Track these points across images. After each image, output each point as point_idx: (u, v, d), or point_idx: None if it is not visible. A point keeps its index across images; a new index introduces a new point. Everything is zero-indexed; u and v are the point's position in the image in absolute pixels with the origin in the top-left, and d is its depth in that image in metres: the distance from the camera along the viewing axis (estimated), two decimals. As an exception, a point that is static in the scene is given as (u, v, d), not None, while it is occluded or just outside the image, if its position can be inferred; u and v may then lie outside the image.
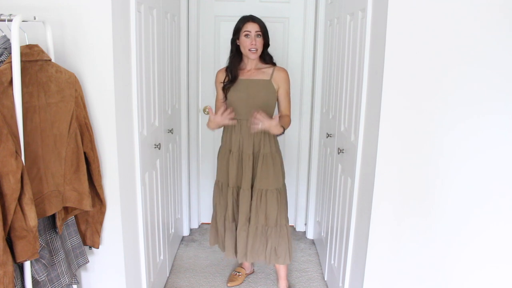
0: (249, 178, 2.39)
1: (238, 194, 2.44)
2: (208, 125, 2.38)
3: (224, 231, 2.51)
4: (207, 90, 3.25)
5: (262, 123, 2.21)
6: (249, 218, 2.41)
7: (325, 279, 2.75)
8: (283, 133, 2.31)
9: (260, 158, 2.38)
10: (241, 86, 2.35)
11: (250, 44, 2.27)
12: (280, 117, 2.31)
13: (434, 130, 1.72)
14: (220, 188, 2.50)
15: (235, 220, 2.48)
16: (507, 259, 1.81)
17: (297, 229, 3.49)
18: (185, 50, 3.12)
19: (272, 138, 2.41)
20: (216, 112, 2.37)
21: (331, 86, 2.71)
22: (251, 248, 2.43)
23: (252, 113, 2.26)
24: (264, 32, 2.31)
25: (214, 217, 2.57)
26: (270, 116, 2.39)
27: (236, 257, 2.52)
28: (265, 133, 2.37)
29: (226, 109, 2.33)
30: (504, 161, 1.72)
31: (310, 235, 3.38)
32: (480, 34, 1.63)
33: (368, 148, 1.88)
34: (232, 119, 2.33)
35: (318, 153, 3.18)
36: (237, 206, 2.45)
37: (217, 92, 2.48)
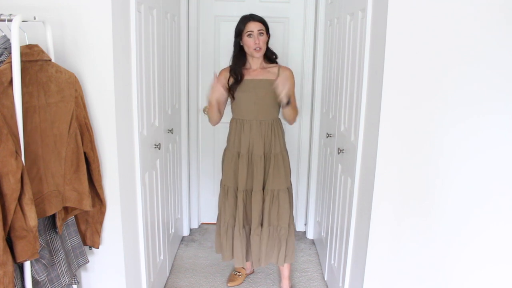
0: (261, 179, 2.36)
1: (247, 198, 2.41)
2: (210, 99, 2.26)
3: (231, 239, 2.45)
4: (207, 90, 3.24)
5: (283, 85, 2.13)
6: (261, 221, 2.39)
7: (325, 279, 2.75)
8: (288, 104, 2.21)
9: (272, 158, 2.36)
10: (249, 87, 2.33)
11: (253, 43, 2.26)
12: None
13: (434, 130, 1.72)
14: (226, 192, 2.44)
15: (244, 226, 2.43)
16: (507, 259, 1.81)
17: (297, 229, 3.48)
18: (185, 50, 3.12)
19: (281, 137, 2.41)
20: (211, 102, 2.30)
21: (331, 86, 2.71)
22: (265, 252, 2.41)
23: (260, 113, 2.32)
24: (266, 30, 2.31)
25: (219, 223, 2.51)
26: (276, 115, 2.41)
27: (246, 264, 2.52)
28: (275, 133, 2.37)
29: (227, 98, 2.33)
30: (504, 161, 1.72)
31: (310, 235, 3.38)
32: (480, 34, 1.63)
33: (368, 148, 1.88)
34: (239, 118, 2.36)
35: (318, 153, 3.18)
36: (248, 210, 2.41)
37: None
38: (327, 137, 2.81)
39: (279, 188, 2.37)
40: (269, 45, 2.40)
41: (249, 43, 2.27)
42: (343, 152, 2.30)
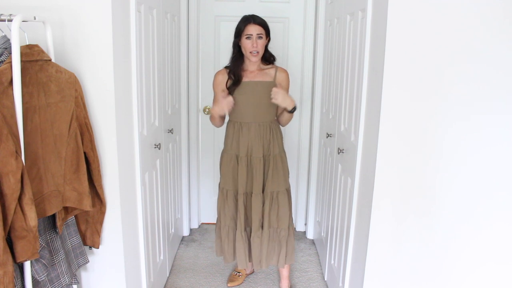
0: (261, 182, 2.35)
1: (247, 200, 2.40)
2: (213, 109, 2.33)
3: (232, 241, 2.45)
4: (207, 90, 3.24)
5: (279, 94, 2.23)
6: (262, 224, 2.39)
7: (325, 279, 2.75)
8: (294, 110, 2.30)
9: (271, 160, 2.36)
10: (247, 89, 2.32)
11: (251, 46, 2.25)
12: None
13: (434, 130, 1.72)
14: (225, 195, 2.43)
15: (246, 229, 2.43)
16: (507, 259, 1.81)
17: (297, 229, 3.49)
18: (185, 50, 3.12)
19: (279, 139, 2.41)
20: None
21: (331, 86, 2.71)
22: (266, 254, 2.41)
23: (259, 115, 2.32)
24: (266, 33, 2.30)
25: (219, 226, 2.50)
26: (274, 117, 2.41)
27: (250, 266, 2.51)
28: (274, 134, 2.37)
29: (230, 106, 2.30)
30: (504, 161, 1.72)
31: (310, 235, 3.38)
32: (480, 34, 1.63)
33: (368, 148, 1.88)
34: (237, 120, 2.37)
35: (318, 153, 3.18)
36: (248, 213, 2.41)
37: (215, 95, 2.46)
38: (327, 137, 2.81)
39: (278, 190, 2.37)
40: (270, 46, 2.40)
41: (247, 45, 2.26)
42: (343, 152, 2.30)
